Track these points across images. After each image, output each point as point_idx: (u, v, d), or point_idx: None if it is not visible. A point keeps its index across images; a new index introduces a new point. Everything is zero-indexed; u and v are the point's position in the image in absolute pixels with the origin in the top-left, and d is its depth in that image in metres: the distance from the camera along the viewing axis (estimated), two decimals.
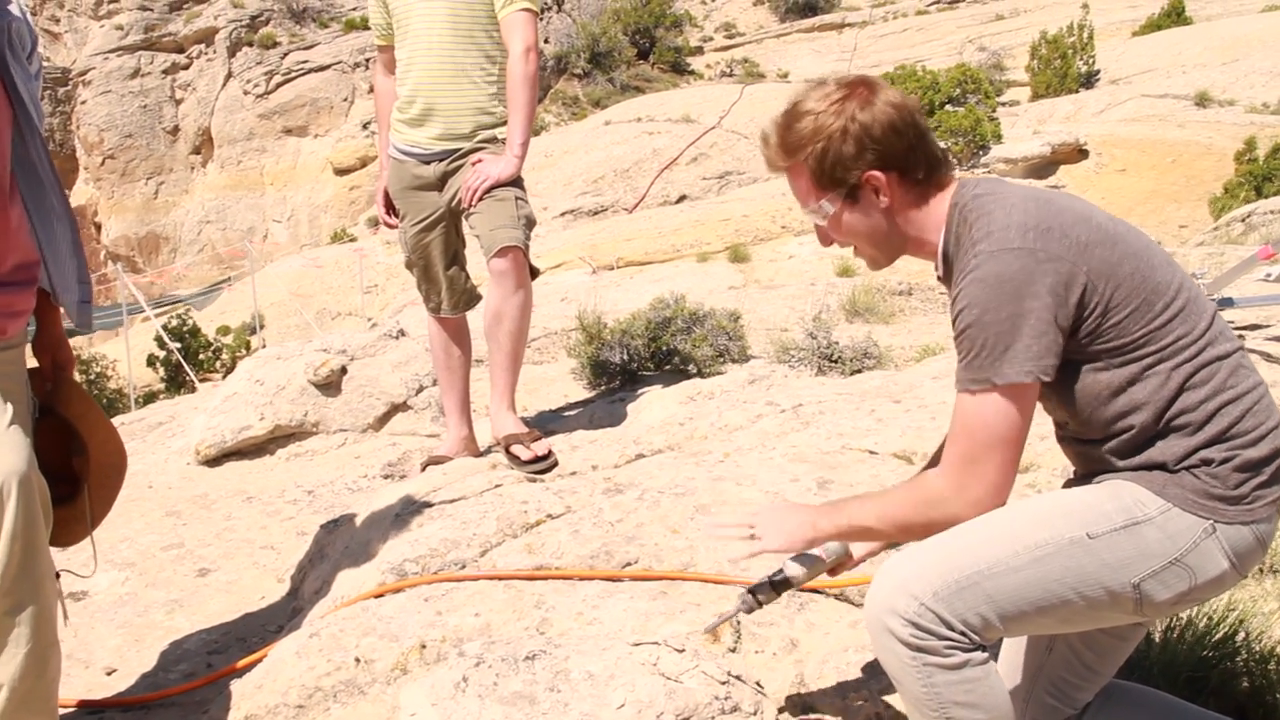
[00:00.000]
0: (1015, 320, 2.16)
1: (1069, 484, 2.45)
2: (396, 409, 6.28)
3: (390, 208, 5.00)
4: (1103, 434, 2.29)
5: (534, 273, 4.72)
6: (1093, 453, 2.34)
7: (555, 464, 4.50)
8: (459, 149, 4.73)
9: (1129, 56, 28.72)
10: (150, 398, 16.78)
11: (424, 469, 4.77)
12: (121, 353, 19.22)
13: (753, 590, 2.78)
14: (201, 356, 19.78)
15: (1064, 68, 27.85)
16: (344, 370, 6.27)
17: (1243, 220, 12.73)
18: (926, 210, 2.40)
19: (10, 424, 2.70)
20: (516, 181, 4.64)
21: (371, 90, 4.88)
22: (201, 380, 17.74)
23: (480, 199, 4.58)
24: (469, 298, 5.01)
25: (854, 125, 2.33)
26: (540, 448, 4.52)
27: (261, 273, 23.49)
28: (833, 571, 2.80)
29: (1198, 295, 2.28)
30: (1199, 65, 25.42)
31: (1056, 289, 2.16)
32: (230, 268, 31.87)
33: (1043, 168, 18.44)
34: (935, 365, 5.68)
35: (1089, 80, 27.94)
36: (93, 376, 18.61)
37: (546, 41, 42.12)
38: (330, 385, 6.18)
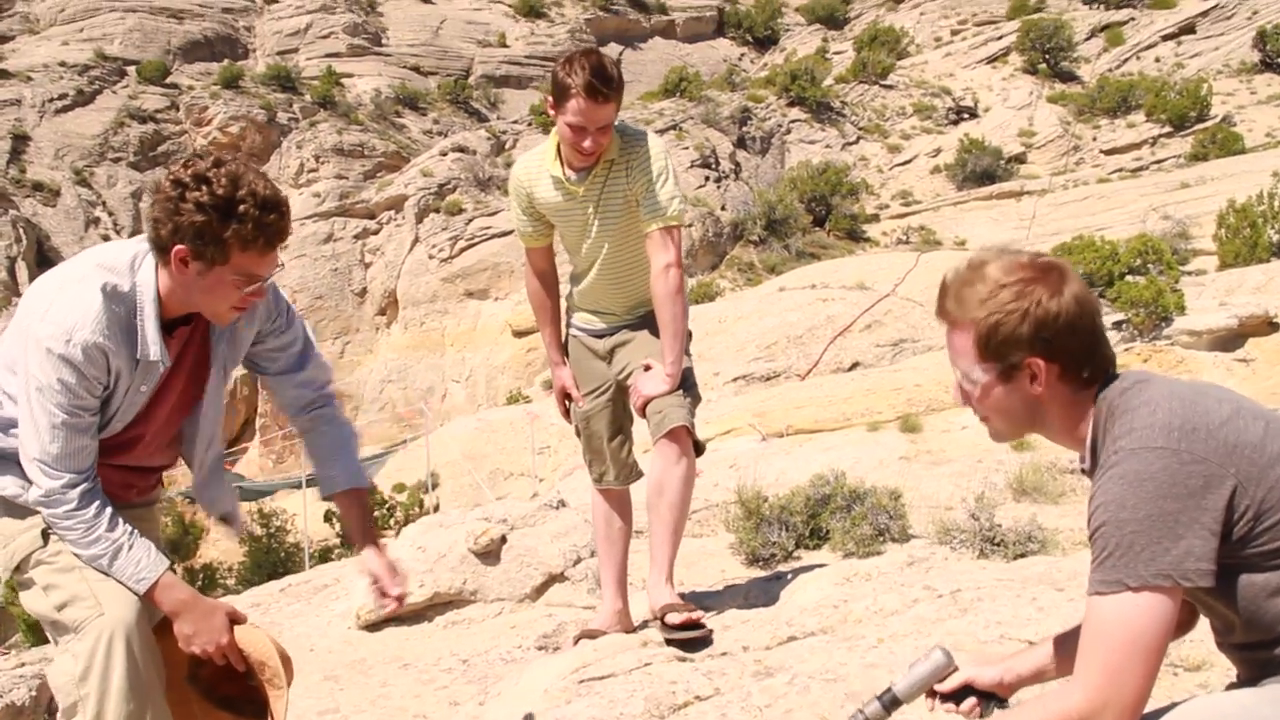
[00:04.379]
0: (1154, 521, 2.08)
1: (1231, 688, 2.33)
2: (554, 579, 6.30)
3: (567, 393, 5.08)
4: (1263, 638, 2.18)
5: (699, 447, 4.75)
6: (1255, 657, 2.23)
7: (708, 636, 4.46)
8: (626, 323, 4.86)
9: None
10: (325, 553, 17.18)
11: (576, 642, 4.78)
12: (300, 506, 19.75)
13: (862, 711, 2.68)
14: (376, 513, 20.18)
15: (1254, 236, 27.16)
16: (504, 539, 6.33)
17: None
18: (1076, 404, 2.35)
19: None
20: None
21: None
22: None
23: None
24: (631, 472, 5.05)
25: (1037, 310, 2.27)
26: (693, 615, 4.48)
27: (436, 433, 24.02)
28: (950, 700, 2.69)
29: None
30: None
31: (1200, 492, 2.08)
32: (409, 427, 32.67)
33: (1229, 340, 17.84)
34: None
35: None
36: (272, 530, 19.14)
37: (723, 209, 42.87)
38: (490, 554, 6.24)
